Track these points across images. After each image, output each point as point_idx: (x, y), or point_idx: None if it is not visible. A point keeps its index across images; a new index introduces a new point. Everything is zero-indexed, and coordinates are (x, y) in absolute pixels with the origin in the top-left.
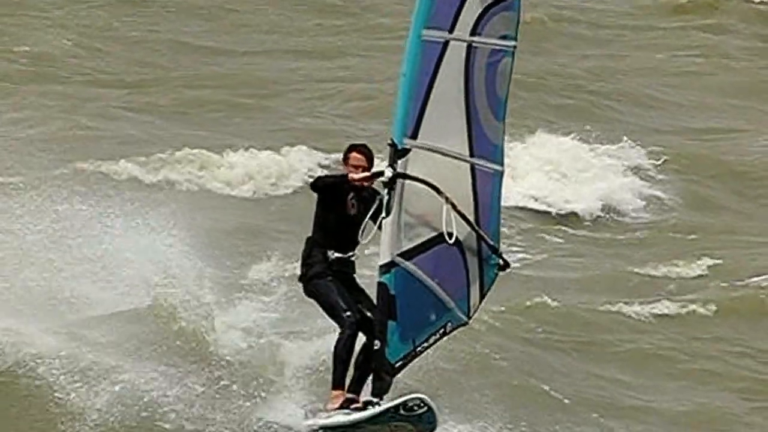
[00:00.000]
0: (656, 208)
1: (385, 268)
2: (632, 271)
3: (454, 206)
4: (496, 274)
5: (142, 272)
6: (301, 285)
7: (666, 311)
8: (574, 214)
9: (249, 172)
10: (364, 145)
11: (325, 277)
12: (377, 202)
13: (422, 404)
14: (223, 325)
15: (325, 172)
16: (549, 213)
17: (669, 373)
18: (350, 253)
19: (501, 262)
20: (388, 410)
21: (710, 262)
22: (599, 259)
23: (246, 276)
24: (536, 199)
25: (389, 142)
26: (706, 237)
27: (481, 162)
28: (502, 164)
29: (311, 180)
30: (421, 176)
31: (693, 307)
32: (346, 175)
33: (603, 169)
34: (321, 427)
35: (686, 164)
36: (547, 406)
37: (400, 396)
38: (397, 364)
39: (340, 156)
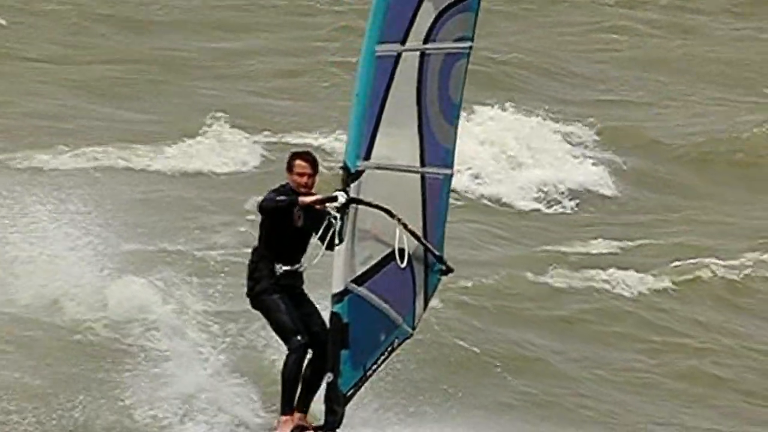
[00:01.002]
0: (588, 183)
1: (338, 297)
2: (558, 250)
3: (405, 226)
4: (439, 280)
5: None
6: (248, 299)
7: (588, 283)
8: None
9: (171, 151)
10: (308, 153)
11: (273, 293)
12: (326, 221)
13: None
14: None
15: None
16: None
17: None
18: (297, 265)
19: (444, 267)
20: None
21: (642, 238)
22: (526, 237)
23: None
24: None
25: (342, 165)
26: (636, 212)
27: (432, 170)
28: (452, 166)
29: (259, 202)
30: (372, 197)
31: (617, 275)
32: (296, 200)
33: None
34: None
35: (611, 137)
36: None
37: None
38: (349, 393)
39: (265, 134)
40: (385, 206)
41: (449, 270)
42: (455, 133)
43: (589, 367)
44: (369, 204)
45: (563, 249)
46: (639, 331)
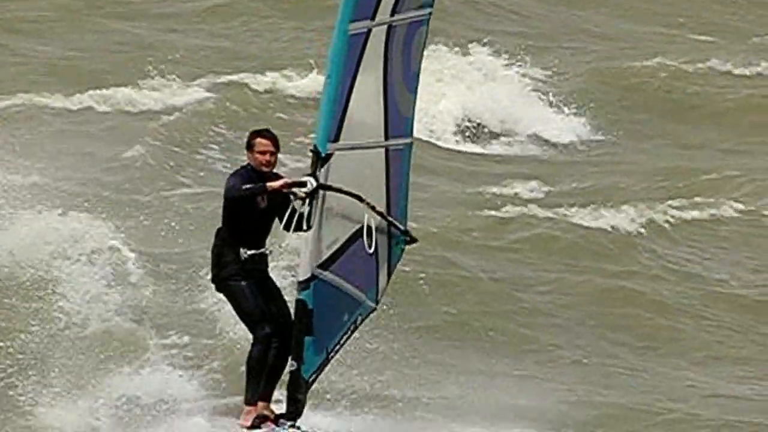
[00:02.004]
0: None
1: (305, 284)
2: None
3: (374, 208)
4: (403, 250)
5: None
6: (213, 284)
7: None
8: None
9: None
10: (268, 130)
11: (239, 279)
12: (290, 207)
13: None
14: None
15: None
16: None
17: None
18: (263, 248)
19: (408, 238)
20: None
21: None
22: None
23: None
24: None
25: (312, 149)
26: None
27: (394, 141)
28: (411, 134)
29: (226, 191)
30: (339, 176)
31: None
32: (264, 187)
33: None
34: None
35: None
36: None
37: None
38: (311, 378)
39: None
40: (354, 191)
41: (413, 240)
42: (414, 102)
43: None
44: (339, 190)
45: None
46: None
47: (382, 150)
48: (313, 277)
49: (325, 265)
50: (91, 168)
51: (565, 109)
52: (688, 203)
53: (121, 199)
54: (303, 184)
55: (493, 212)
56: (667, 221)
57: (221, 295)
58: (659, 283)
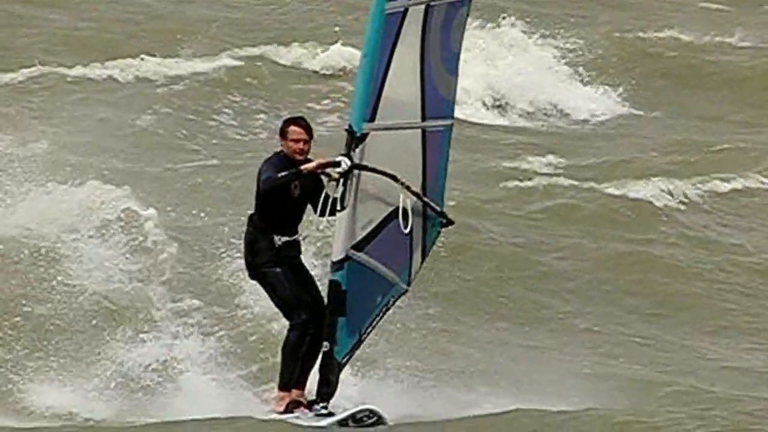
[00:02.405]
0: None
1: (339, 265)
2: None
3: (409, 188)
4: (439, 233)
5: None
6: (247, 270)
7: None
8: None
9: None
10: (302, 118)
11: (274, 266)
12: (323, 193)
13: (371, 415)
14: None
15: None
16: None
17: None
18: (296, 235)
19: (444, 221)
20: (337, 423)
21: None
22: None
23: None
24: None
25: (346, 128)
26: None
27: (433, 123)
28: (452, 116)
29: (262, 183)
30: (374, 157)
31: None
32: (299, 171)
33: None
34: None
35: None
36: None
37: (348, 409)
38: (344, 360)
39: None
40: (389, 171)
41: (450, 222)
42: (455, 84)
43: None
44: (373, 170)
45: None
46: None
47: (419, 131)
48: (347, 257)
49: (359, 246)
50: (106, 136)
51: (585, 81)
52: (707, 174)
53: (135, 167)
54: (337, 164)
55: (515, 183)
56: (687, 192)
57: (234, 267)
58: (676, 249)
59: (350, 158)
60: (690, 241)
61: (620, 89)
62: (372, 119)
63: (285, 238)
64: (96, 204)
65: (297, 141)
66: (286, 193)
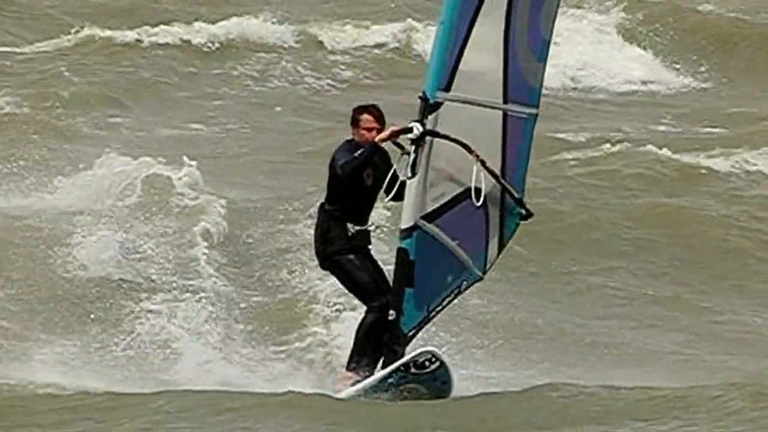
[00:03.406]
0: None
1: (407, 233)
2: None
3: (483, 163)
4: (518, 225)
5: None
6: (318, 260)
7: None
8: None
9: None
10: (375, 106)
11: (348, 253)
12: (391, 172)
13: (434, 359)
14: None
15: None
16: None
17: None
18: (368, 225)
19: (524, 212)
20: (397, 369)
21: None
22: None
23: None
24: None
25: (420, 95)
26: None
27: (515, 108)
28: (537, 106)
29: (341, 168)
30: (451, 132)
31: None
32: (374, 145)
33: None
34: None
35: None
36: None
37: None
38: (410, 333)
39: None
40: (463, 140)
41: (529, 214)
42: (543, 72)
43: None
44: (446, 137)
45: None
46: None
47: (500, 113)
48: (416, 226)
49: (429, 218)
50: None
51: (628, 46)
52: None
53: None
54: (409, 130)
55: (581, 151)
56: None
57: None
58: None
59: (423, 124)
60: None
61: (680, 59)
62: (447, 89)
63: (358, 227)
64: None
65: (370, 129)
66: (359, 182)
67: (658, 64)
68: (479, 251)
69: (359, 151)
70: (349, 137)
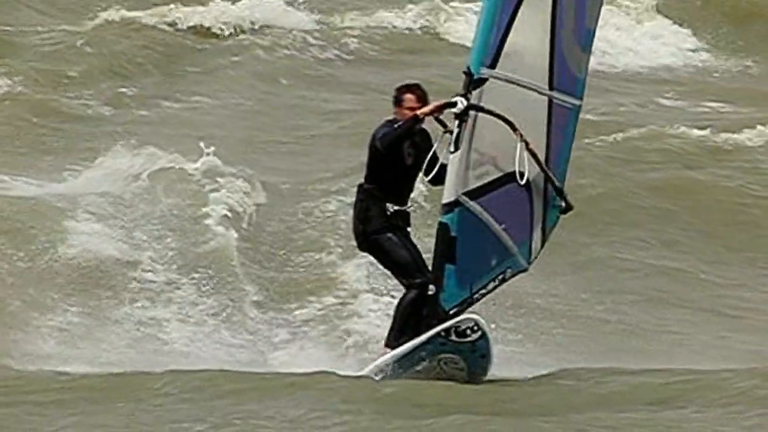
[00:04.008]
0: None
1: (448, 207)
2: None
3: (527, 144)
4: (558, 217)
5: None
6: (356, 241)
7: None
8: None
9: None
10: (418, 86)
11: (387, 232)
12: (432, 152)
13: (476, 328)
14: None
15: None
16: None
17: None
18: (407, 206)
19: (563, 204)
20: (437, 335)
21: None
22: None
23: None
24: None
25: (464, 70)
26: None
27: (560, 96)
28: (581, 98)
29: (380, 140)
30: (495, 110)
31: None
32: (415, 117)
33: None
34: (374, 372)
35: None
36: None
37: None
38: (451, 312)
39: None
40: (507, 116)
41: (569, 207)
42: (587, 63)
43: None
44: (490, 112)
45: None
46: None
47: (545, 99)
48: (458, 202)
49: (472, 195)
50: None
51: (664, 28)
52: None
53: None
54: (453, 105)
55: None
56: None
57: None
58: None
59: (467, 99)
60: None
61: (685, 30)
62: (492, 66)
63: (397, 207)
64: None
65: (412, 109)
66: (399, 160)
67: (677, 40)
68: (524, 240)
69: (399, 123)
70: (389, 117)
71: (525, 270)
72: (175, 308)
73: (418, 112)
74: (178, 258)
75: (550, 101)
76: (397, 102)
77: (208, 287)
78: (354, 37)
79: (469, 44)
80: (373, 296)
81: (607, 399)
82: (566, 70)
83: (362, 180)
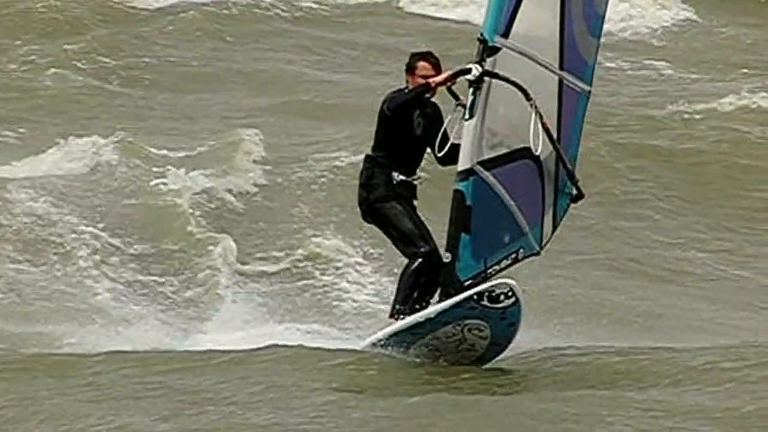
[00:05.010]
0: None
1: (464, 175)
2: None
3: (540, 116)
4: (569, 205)
5: None
6: (360, 210)
7: None
8: None
9: None
10: (431, 53)
11: (392, 200)
12: (443, 128)
13: (510, 293)
14: None
15: (392, 92)
16: None
17: None
18: (414, 177)
19: (575, 192)
20: (469, 298)
21: None
22: None
23: None
24: None
25: (479, 37)
26: None
27: (571, 78)
28: (590, 83)
29: (388, 104)
30: (510, 77)
31: None
32: (427, 85)
33: None
34: (380, 340)
35: None
36: None
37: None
38: (466, 283)
39: None
40: (522, 84)
41: (580, 195)
42: (597, 49)
43: None
44: (506, 79)
45: None
46: None
47: (556, 79)
48: (473, 171)
49: (486, 165)
50: None
51: None
52: None
53: None
54: (467, 72)
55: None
56: None
57: None
58: None
59: (482, 65)
60: None
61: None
62: (506, 36)
63: (403, 177)
64: None
65: (426, 77)
66: (409, 129)
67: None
68: (536, 221)
69: (411, 88)
70: (401, 86)
71: (537, 254)
72: (121, 285)
73: (431, 80)
74: (134, 233)
75: (561, 82)
76: (410, 70)
77: (156, 264)
78: None
79: (422, 11)
80: (361, 270)
81: (601, 379)
82: (576, 53)
83: (369, 151)
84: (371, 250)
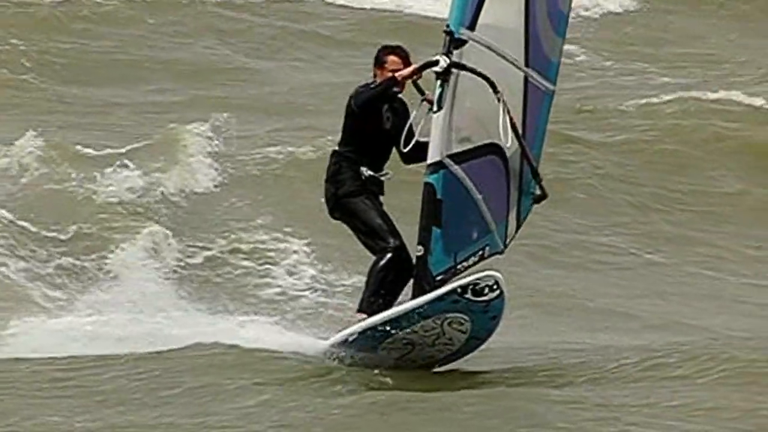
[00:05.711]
0: None
1: (434, 168)
2: None
3: (507, 109)
4: (532, 206)
5: None
6: (327, 207)
7: None
8: None
9: None
10: (401, 47)
11: (360, 194)
12: (409, 123)
13: (495, 287)
14: None
15: (359, 87)
16: None
17: None
18: (381, 173)
19: (538, 191)
20: (452, 291)
21: None
22: None
23: None
24: None
25: (445, 29)
26: None
27: (535, 75)
28: (554, 83)
29: (355, 99)
30: (473, 84)
31: None
32: (393, 78)
33: None
34: (353, 335)
35: None
36: None
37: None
38: (438, 278)
39: None
40: (489, 76)
41: (544, 195)
42: (561, 48)
43: None
44: (473, 70)
45: None
46: None
47: (522, 76)
48: (442, 164)
49: (456, 159)
50: None
51: None
52: None
53: None
54: (435, 63)
55: None
56: None
57: None
58: None
59: (449, 57)
60: None
61: None
62: (471, 28)
63: (371, 173)
64: None
65: (395, 72)
66: (378, 124)
67: None
68: (501, 219)
69: (377, 83)
70: (368, 81)
71: (501, 252)
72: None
73: (397, 74)
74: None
75: (526, 79)
76: (379, 64)
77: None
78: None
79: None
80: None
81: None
82: (541, 51)
83: (336, 146)
84: (302, 244)
